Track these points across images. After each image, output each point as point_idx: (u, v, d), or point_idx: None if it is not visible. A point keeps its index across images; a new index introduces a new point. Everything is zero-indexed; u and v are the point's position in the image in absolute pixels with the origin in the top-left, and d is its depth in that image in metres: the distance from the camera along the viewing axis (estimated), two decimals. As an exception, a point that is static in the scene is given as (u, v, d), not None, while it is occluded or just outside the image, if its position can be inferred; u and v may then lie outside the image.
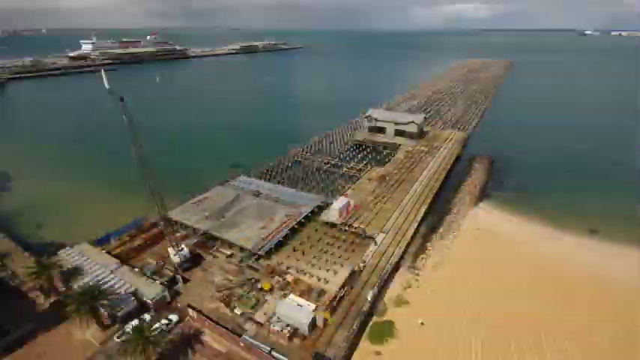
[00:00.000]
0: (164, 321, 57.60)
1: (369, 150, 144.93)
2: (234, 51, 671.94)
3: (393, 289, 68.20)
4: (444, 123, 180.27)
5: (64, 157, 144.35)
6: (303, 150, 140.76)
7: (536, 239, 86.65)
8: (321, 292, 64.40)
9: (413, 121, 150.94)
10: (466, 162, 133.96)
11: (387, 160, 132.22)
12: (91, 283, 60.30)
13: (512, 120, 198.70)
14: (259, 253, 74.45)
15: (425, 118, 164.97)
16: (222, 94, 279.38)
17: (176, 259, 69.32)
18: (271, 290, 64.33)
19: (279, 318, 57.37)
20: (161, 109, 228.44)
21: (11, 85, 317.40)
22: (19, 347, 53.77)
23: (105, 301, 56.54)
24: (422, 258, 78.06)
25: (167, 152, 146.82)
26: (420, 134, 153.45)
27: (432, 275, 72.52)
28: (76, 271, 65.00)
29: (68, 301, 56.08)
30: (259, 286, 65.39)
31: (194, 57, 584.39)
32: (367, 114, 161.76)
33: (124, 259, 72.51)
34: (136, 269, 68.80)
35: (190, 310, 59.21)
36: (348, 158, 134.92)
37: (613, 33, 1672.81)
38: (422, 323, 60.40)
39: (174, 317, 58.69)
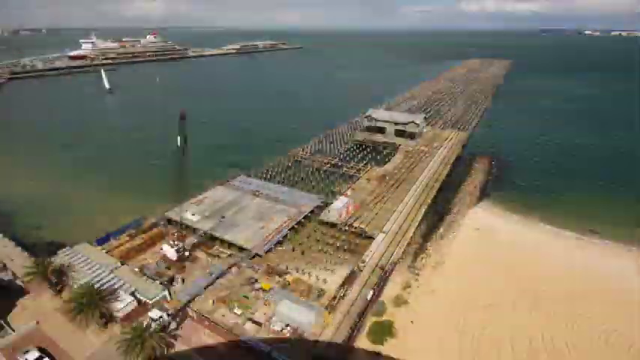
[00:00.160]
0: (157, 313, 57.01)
1: (369, 150, 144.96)
2: (234, 51, 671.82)
3: (393, 289, 68.19)
4: (444, 123, 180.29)
5: (64, 156, 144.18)
6: (303, 150, 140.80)
7: (536, 239, 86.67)
8: (321, 292, 64.44)
9: (413, 121, 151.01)
10: (466, 162, 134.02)
11: (387, 160, 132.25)
12: (91, 283, 60.31)
13: (513, 120, 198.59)
14: (259, 253, 74.50)
15: (425, 118, 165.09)
16: (222, 94, 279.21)
17: (173, 254, 69.48)
18: (271, 290, 64.32)
19: (279, 318, 57.37)
20: (161, 109, 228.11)
21: (11, 85, 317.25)
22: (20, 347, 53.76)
23: (105, 301, 56.53)
24: (422, 258, 78.08)
25: (167, 152, 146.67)
26: (420, 134, 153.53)
27: (432, 275, 72.55)
28: (76, 271, 65.03)
29: (68, 301, 56.09)
30: (259, 286, 65.42)
31: (194, 57, 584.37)
32: (367, 114, 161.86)
33: (124, 259, 72.54)
34: (136, 269, 68.80)
35: (190, 310, 59.26)
36: (348, 158, 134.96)
37: (613, 33, 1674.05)
38: (414, 322, 60.42)
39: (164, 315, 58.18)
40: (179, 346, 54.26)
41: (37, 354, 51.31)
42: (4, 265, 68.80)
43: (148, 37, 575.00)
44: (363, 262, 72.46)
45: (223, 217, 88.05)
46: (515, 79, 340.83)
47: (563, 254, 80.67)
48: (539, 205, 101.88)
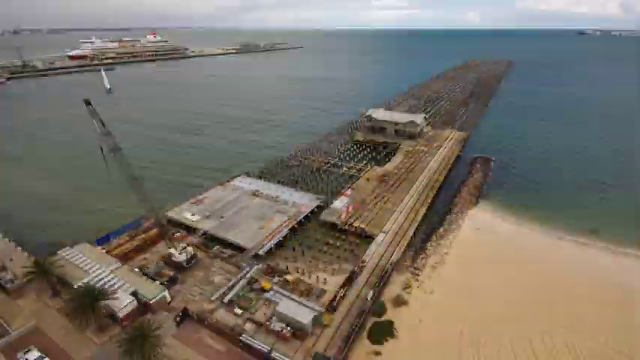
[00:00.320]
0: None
1: (369, 150, 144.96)
2: (234, 50, 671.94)
3: (393, 289, 68.20)
4: (444, 123, 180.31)
5: (64, 156, 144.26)
6: (303, 150, 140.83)
7: (536, 239, 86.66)
8: (321, 292, 64.45)
9: (413, 121, 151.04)
10: (466, 162, 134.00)
11: (387, 160, 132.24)
12: (91, 283, 60.31)
13: (512, 120, 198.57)
14: (259, 253, 74.51)
15: (425, 118, 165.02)
16: (221, 94, 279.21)
17: (181, 258, 69.40)
18: (271, 290, 64.30)
19: (279, 318, 57.39)
20: (161, 109, 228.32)
21: (11, 85, 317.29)
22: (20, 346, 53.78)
23: (105, 301, 56.52)
24: (422, 258, 78.06)
25: (167, 152, 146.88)
26: (420, 134, 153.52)
27: (432, 275, 72.55)
28: (76, 271, 65.01)
29: (68, 301, 56.08)
30: (259, 286, 65.41)
31: (194, 56, 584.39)
32: (367, 114, 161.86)
33: (124, 259, 72.53)
34: (136, 269, 68.79)
35: (190, 310, 59.25)
36: (348, 158, 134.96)
37: (613, 33, 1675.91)
38: (414, 322, 60.46)
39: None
40: (179, 346, 54.26)
41: (37, 354, 51.33)
42: (4, 265, 68.81)
43: (147, 36, 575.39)
44: (363, 262, 72.45)
45: (223, 217, 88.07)
46: (515, 78, 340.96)
47: (563, 254, 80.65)
48: (539, 205, 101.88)
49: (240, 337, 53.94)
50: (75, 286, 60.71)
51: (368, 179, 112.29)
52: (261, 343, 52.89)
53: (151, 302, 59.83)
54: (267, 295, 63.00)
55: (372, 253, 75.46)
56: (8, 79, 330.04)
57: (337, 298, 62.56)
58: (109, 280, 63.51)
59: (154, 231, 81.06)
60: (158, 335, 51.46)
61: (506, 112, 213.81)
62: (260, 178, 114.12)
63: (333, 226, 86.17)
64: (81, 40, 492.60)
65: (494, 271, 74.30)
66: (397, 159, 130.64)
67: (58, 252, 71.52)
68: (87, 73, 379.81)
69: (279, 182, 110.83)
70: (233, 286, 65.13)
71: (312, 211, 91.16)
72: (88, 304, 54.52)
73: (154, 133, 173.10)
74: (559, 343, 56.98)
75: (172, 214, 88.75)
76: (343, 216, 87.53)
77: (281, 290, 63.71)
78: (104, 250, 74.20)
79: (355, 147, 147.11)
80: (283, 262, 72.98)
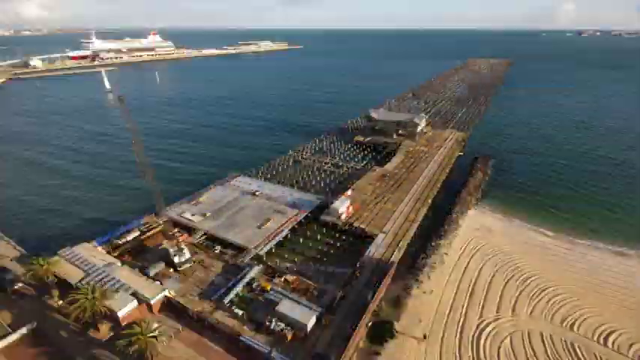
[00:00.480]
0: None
1: (369, 150, 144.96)
2: (234, 51, 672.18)
3: (393, 289, 68.21)
4: (444, 123, 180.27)
5: (64, 156, 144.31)
6: (303, 150, 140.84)
7: (536, 239, 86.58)
8: (321, 293, 64.42)
9: (413, 121, 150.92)
10: (466, 162, 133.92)
11: (387, 160, 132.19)
12: (91, 284, 60.29)
13: (512, 120, 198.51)
14: (259, 253, 74.49)
15: (425, 118, 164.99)
16: (222, 94, 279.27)
17: (176, 259, 69.36)
18: (271, 290, 64.28)
19: (279, 318, 57.37)
20: (161, 109, 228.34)
21: (11, 85, 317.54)
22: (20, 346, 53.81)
23: (105, 301, 56.52)
24: (422, 258, 78.01)
25: (168, 152, 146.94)
26: (420, 134, 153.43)
27: (432, 275, 72.50)
28: (76, 271, 64.99)
29: (68, 301, 56.09)
30: (259, 286, 65.37)
31: (194, 57, 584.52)
32: (367, 114, 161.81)
33: (124, 259, 72.52)
34: (136, 269, 68.77)
35: (190, 310, 59.24)
36: (348, 158, 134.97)
37: (613, 33, 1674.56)
38: (414, 322, 60.44)
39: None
40: (179, 346, 54.26)
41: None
42: (4, 266, 68.84)
43: (148, 37, 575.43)
44: (363, 262, 72.40)
45: (223, 216, 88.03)
46: (515, 78, 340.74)
47: (563, 254, 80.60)
48: (538, 205, 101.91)
49: (240, 338, 53.91)
50: (75, 286, 60.68)
51: (368, 179, 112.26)
52: (261, 344, 52.88)
53: (151, 302, 59.84)
54: (267, 295, 62.99)
55: (372, 254, 75.42)
56: (9, 79, 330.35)
57: (337, 298, 62.55)
58: (109, 280, 63.51)
59: (154, 231, 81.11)
60: (158, 335, 51.51)
61: (506, 112, 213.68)
62: (260, 178, 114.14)
63: (333, 226, 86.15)
64: (82, 41, 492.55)
65: (493, 271, 74.25)
66: (397, 159, 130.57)
67: (58, 252, 71.48)
68: (87, 73, 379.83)
69: (279, 182, 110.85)
70: (233, 286, 65.10)
71: (312, 211, 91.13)
72: (88, 304, 54.53)
73: (153, 133, 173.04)
74: (559, 343, 56.98)
75: (172, 214, 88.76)
76: (343, 216, 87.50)
77: (281, 290, 63.71)
78: (104, 250, 74.18)
79: (355, 147, 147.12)
80: (283, 262, 72.94)
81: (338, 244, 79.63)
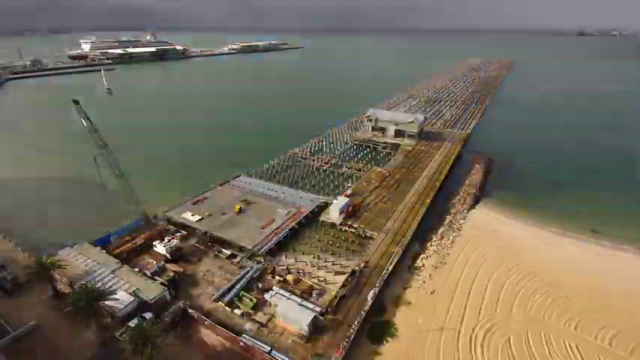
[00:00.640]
0: None
1: (369, 150, 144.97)
2: (234, 50, 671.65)
3: (393, 289, 68.22)
4: (444, 123, 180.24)
5: (64, 156, 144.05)
6: (303, 150, 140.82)
7: (536, 239, 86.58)
8: (322, 292, 64.45)
9: (413, 121, 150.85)
10: (466, 162, 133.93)
11: (387, 160, 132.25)
12: (91, 283, 60.22)
13: (512, 120, 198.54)
14: (259, 253, 74.51)
15: (425, 118, 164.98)
16: (222, 94, 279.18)
17: (162, 250, 69.95)
18: (271, 290, 64.27)
19: (279, 318, 57.35)
20: (161, 110, 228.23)
21: (11, 84, 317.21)
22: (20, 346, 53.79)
23: (105, 301, 56.50)
24: (422, 258, 78.04)
25: (168, 152, 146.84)
26: (420, 134, 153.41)
27: (432, 275, 72.52)
28: (75, 272, 64.95)
29: (68, 301, 56.03)
30: (259, 286, 65.36)
31: (194, 56, 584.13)
32: (367, 114, 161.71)
33: (124, 259, 72.50)
34: (136, 269, 68.77)
35: (190, 310, 59.23)
36: (348, 158, 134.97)
37: (613, 33, 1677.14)
38: (414, 322, 60.46)
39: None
40: (179, 347, 54.23)
41: None
42: (4, 265, 68.77)
43: (147, 37, 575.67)
44: (363, 262, 72.43)
45: (223, 217, 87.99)
46: (515, 78, 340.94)
47: (563, 254, 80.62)
48: (538, 204, 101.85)
49: (241, 338, 53.92)
50: (75, 286, 60.65)
51: (368, 179, 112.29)
52: (261, 344, 52.89)
53: (151, 302, 59.82)
54: (267, 295, 63.00)
55: (372, 254, 75.44)
56: (9, 78, 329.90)
57: (337, 298, 62.58)
58: (109, 280, 63.52)
59: (154, 231, 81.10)
60: (158, 335, 51.46)
61: (506, 112, 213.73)
62: (260, 178, 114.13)
63: (333, 226, 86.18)
64: (81, 40, 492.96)
65: (494, 270, 74.26)
66: (397, 159, 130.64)
67: (58, 252, 71.58)
68: (86, 73, 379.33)
69: (279, 182, 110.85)
70: (233, 286, 65.13)
71: (312, 211, 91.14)
72: (88, 304, 54.45)
73: (153, 133, 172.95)
74: (559, 343, 56.98)
75: (172, 214, 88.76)
76: (343, 216, 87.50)
77: (281, 290, 63.72)
78: (104, 250, 74.16)
79: (355, 147, 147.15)
80: (283, 263, 72.94)
81: (338, 245, 79.64)
